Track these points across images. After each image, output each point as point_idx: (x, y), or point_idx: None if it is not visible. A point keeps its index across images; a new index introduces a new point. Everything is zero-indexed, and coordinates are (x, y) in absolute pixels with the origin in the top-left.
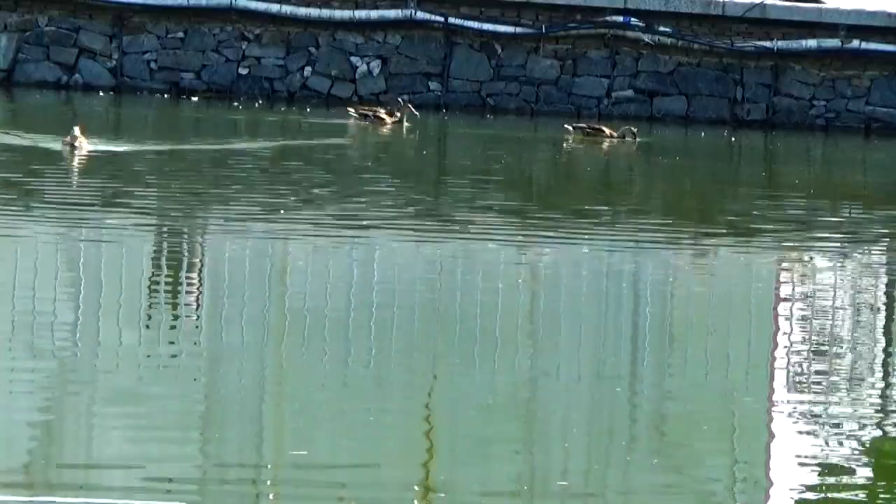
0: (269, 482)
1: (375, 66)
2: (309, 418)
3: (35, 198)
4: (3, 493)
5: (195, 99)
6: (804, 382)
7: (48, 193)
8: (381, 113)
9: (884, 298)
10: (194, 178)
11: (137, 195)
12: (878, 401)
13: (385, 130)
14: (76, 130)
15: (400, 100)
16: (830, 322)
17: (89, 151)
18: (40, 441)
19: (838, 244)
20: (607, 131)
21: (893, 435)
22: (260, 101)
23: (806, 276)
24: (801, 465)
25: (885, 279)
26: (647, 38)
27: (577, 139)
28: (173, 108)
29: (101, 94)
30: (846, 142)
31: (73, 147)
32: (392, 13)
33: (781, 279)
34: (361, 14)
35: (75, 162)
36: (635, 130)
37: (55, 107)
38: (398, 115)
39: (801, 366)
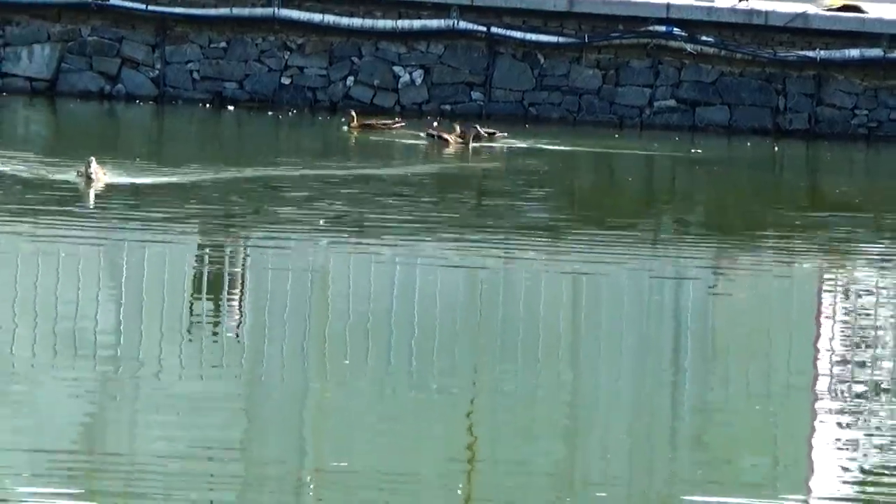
0: (310, 493)
1: (418, 75)
2: (350, 428)
3: None
4: (45, 490)
5: (231, 108)
6: (846, 393)
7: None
8: (446, 135)
9: None
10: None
11: None
12: None
13: (451, 151)
14: (92, 162)
15: (475, 126)
16: (872, 333)
17: (108, 184)
18: (81, 448)
19: (880, 255)
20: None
21: None
22: (293, 111)
23: (848, 286)
24: (843, 475)
25: None
26: (689, 47)
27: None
28: (216, 120)
29: (143, 104)
30: (889, 152)
31: (88, 179)
32: (435, 23)
33: (824, 290)
34: (404, 24)
35: (90, 201)
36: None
37: (92, 121)
38: (467, 137)
39: (842, 377)
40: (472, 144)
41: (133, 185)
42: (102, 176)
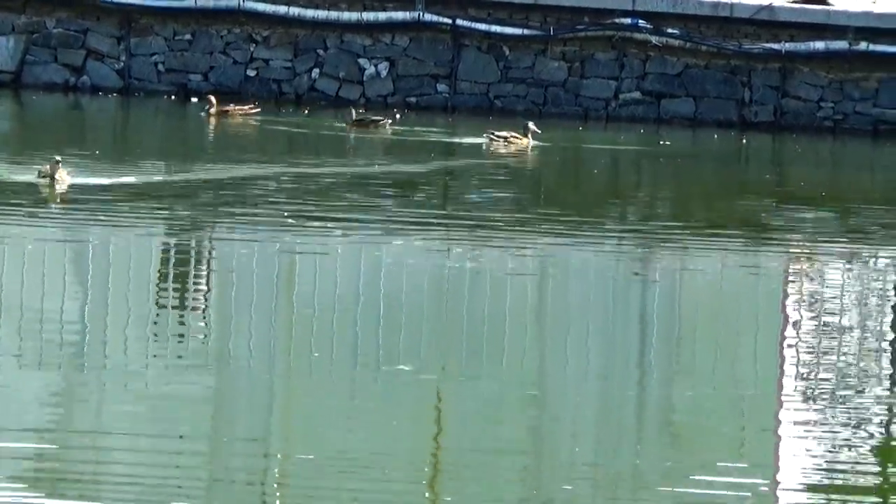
0: (276, 480)
1: (383, 68)
2: (317, 416)
3: None
4: (10, 481)
5: (195, 100)
6: (812, 385)
7: None
8: (513, 136)
9: (891, 301)
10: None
11: None
12: (886, 403)
13: (515, 151)
14: (56, 161)
15: (529, 123)
16: (838, 325)
17: (71, 185)
18: (47, 440)
19: (846, 247)
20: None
21: None
22: (258, 103)
23: (813, 278)
24: (810, 465)
25: (892, 281)
26: (654, 39)
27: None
28: (181, 113)
29: (108, 96)
30: (854, 144)
31: (52, 180)
32: (400, 15)
33: (789, 281)
34: (369, 16)
35: (54, 204)
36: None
37: (56, 114)
38: (528, 136)
39: (809, 368)
40: (531, 143)
41: (97, 185)
42: (66, 177)
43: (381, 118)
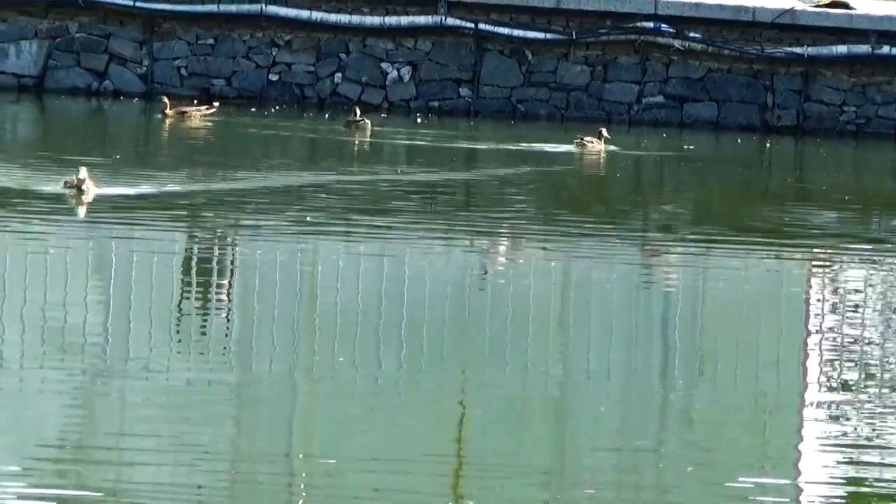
0: (300, 482)
1: (406, 72)
2: (339, 420)
3: None
4: (33, 482)
5: (217, 104)
6: (836, 391)
7: None
8: (595, 140)
9: None
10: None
11: None
12: None
13: (592, 155)
14: (82, 171)
15: (601, 130)
16: (861, 329)
17: (98, 195)
18: (69, 442)
19: (870, 251)
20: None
21: None
22: (276, 108)
23: (837, 283)
24: (833, 474)
25: None
26: (677, 44)
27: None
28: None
29: (131, 100)
30: (877, 148)
31: (79, 191)
32: (422, 19)
33: (812, 286)
34: (392, 20)
35: (81, 213)
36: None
37: (78, 119)
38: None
39: (832, 373)
40: (603, 149)
41: (123, 195)
42: (93, 187)
43: (360, 119)
